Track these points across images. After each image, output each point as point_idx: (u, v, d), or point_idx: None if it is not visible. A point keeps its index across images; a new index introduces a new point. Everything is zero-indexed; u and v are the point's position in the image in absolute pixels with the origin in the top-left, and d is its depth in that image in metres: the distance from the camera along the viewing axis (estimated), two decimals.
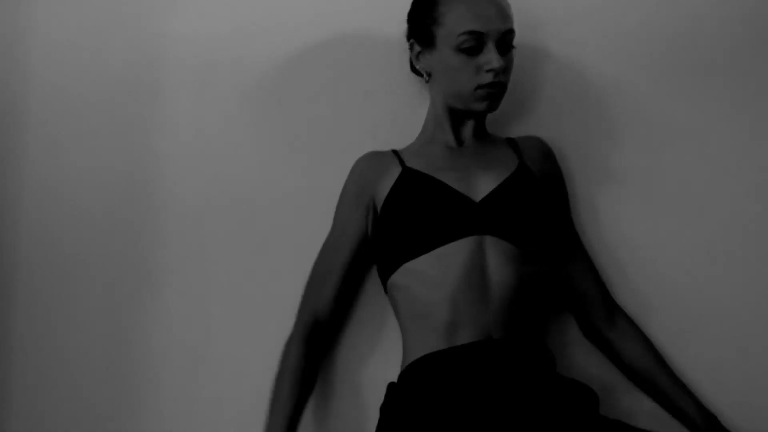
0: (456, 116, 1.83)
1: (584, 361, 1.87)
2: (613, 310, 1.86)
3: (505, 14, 1.75)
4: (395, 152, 1.85)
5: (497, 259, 1.71)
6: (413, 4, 1.85)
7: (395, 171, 1.80)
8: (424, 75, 1.83)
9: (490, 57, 1.72)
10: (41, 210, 1.96)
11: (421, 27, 1.80)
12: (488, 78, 1.74)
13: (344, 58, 1.99)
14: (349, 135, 1.95)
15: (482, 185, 1.76)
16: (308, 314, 1.81)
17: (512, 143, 1.87)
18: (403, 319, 1.77)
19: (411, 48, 1.83)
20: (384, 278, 1.80)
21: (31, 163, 1.97)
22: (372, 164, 1.83)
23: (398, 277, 1.75)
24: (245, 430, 1.80)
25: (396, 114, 1.95)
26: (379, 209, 1.80)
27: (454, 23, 1.74)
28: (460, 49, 1.74)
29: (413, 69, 1.89)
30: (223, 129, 1.98)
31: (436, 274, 1.71)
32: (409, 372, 1.72)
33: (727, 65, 1.97)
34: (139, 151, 1.97)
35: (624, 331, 1.84)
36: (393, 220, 1.75)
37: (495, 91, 1.76)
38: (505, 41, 1.75)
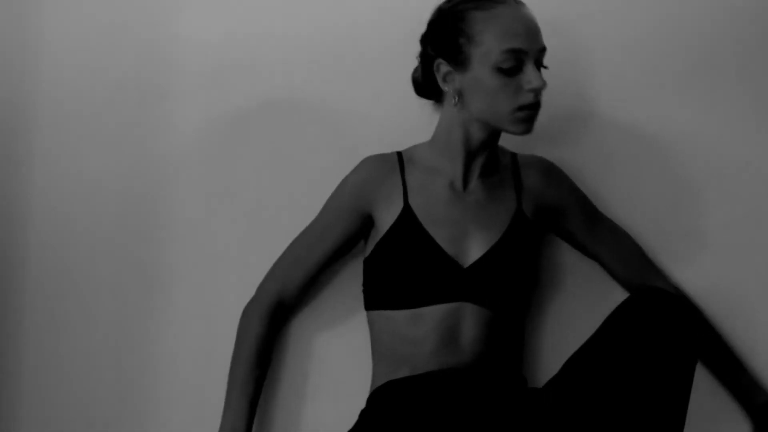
0: (471, 150, 1.77)
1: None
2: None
3: (538, 31, 1.69)
4: (401, 166, 1.79)
5: (472, 322, 1.72)
6: (437, 23, 1.74)
7: (397, 202, 1.76)
8: (454, 98, 1.72)
9: (532, 76, 1.65)
10: (49, 212, 1.96)
11: (453, 46, 1.69)
12: (529, 98, 1.67)
13: (353, 61, 1.98)
14: (357, 138, 1.95)
15: (474, 248, 1.74)
16: (274, 293, 1.82)
17: (515, 170, 1.83)
18: (374, 347, 1.80)
19: (437, 69, 1.73)
20: (366, 303, 1.81)
21: (39, 166, 1.97)
22: (377, 178, 1.79)
23: (374, 315, 1.78)
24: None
25: (405, 117, 1.93)
26: (379, 234, 1.77)
27: (493, 41, 1.65)
28: (500, 69, 1.66)
29: (421, 92, 1.82)
30: (232, 132, 1.98)
31: (409, 330, 1.72)
32: (374, 398, 1.75)
33: (735, 66, 1.98)
34: (148, 154, 1.97)
35: None
36: (382, 264, 1.75)
37: (534, 112, 1.69)
38: (539, 59, 1.70)
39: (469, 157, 1.77)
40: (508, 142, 1.84)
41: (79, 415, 1.92)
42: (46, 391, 1.93)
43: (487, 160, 1.79)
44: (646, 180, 1.96)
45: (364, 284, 1.81)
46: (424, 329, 1.72)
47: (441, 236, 1.73)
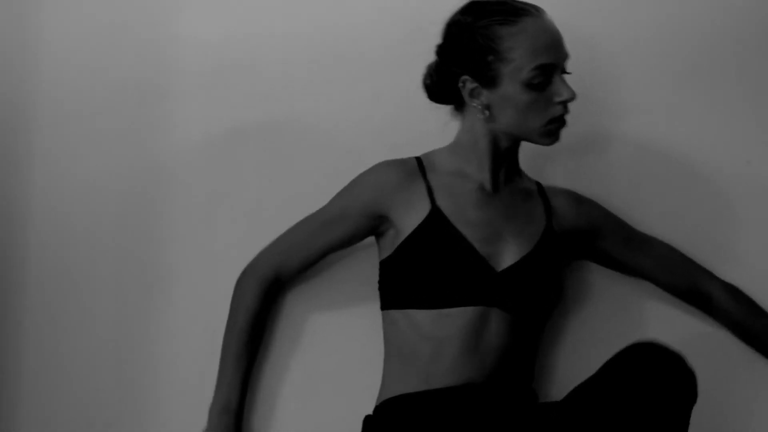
0: (498, 155, 1.75)
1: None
2: (702, 290, 1.87)
3: (562, 39, 1.68)
4: (422, 171, 1.76)
5: (497, 329, 1.70)
6: (460, 38, 1.70)
7: (422, 204, 1.72)
8: (483, 113, 1.70)
9: (562, 88, 1.65)
10: (50, 212, 1.96)
11: (481, 64, 1.67)
12: (559, 110, 1.67)
13: (353, 62, 1.98)
14: (358, 139, 1.95)
15: (507, 253, 1.72)
16: (272, 269, 1.80)
17: (542, 194, 1.82)
18: (389, 347, 1.76)
19: (463, 84, 1.70)
20: (384, 302, 1.77)
21: (39, 166, 1.97)
22: (395, 181, 1.74)
23: (397, 315, 1.73)
24: (253, 430, 1.83)
25: (407, 118, 1.93)
26: (401, 236, 1.73)
27: (524, 58, 1.63)
28: (530, 85, 1.64)
29: (436, 99, 1.79)
30: (232, 133, 1.98)
31: (433, 330, 1.69)
32: (385, 408, 1.72)
33: (735, 66, 1.99)
34: (148, 154, 1.97)
35: (721, 309, 1.87)
36: (408, 264, 1.71)
37: (563, 124, 1.70)
38: (565, 70, 1.69)
39: (496, 162, 1.76)
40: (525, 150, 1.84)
41: (79, 415, 1.91)
42: (46, 391, 1.92)
43: (511, 164, 1.78)
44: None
45: (383, 284, 1.77)
46: (449, 331, 1.68)
47: (473, 237, 1.71)
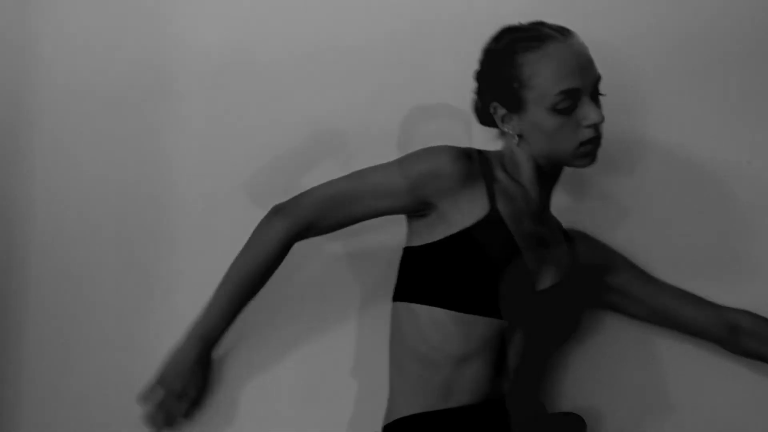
0: (543, 178, 1.73)
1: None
2: (728, 319, 1.85)
3: (590, 63, 1.66)
4: (484, 169, 1.69)
5: (519, 348, 1.69)
6: (489, 65, 1.71)
7: (481, 203, 1.66)
8: (515, 138, 1.69)
9: (588, 112, 1.63)
10: (51, 212, 1.96)
11: (507, 91, 1.67)
12: (589, 133, 1.64)
13: (358, 59, 1.99)
14: (363, 137, 1.96)
15: (547, 274, 1.71)
16: (306, 219, 1.71)
17: (560, 228, 1.82)
18: (401, 348, 1.69)
19: (494, 111, 1.70)
20: (403, 293, 1.70)
21: (41, 166, 1.98)
22: (458, 175, 1.66)
23: (422, 310, 1.66)
24: None
25: (413, 115, 1.94)
26: (449, 231, 1.65)
27: (546, 84, 1.62)
28: (556, 110, 1.63)
29: (483, 123, 1.77)
30: (235, 132, 1.98)
31: (458, 334, 1.64)
32: (399, 429, 1.66)
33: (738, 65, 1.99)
34: (150, 153, 1.98)
35: (753, 332, 1.85)
36: (454, 259, 1.65)
37: (595, 145, 1.67)
38: (596, 92, 1.67)
39: (542, 184, 1.74)
40: None
41: (80, 418, 1.92)
42: (46, 394, 1.93)
43: (553, 186, 1.76)
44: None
45: (408, 272, 1.70)
46: (475, 339, 1.64)
47: (528, 251, 1.68)
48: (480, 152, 1.72)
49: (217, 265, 1.92)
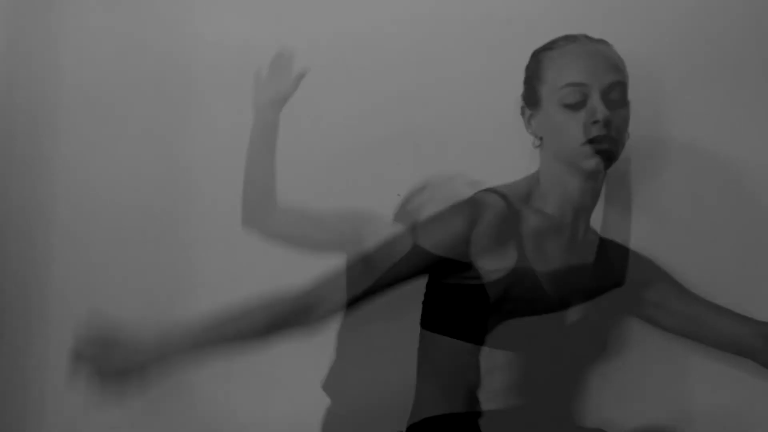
0: (572, 196, 1.70)
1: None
2: (764, 331, 1.79)
3: (609, 65, 1.67)
4: (513, 219, 1.68)
5: (544, 371, 1.72)
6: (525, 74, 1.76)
7: (510, 254, 1.67)
8: (535, 140, 1.72)
9: (594, 107, 1.64)
10: (74, 212, 1.99)
11: (529, 90, 1.73)
12: (595, 131, 1.63)
13: (374, 62, 1.99)
14: (381, 141, 1.95)
15: (577, 306, 1.72)
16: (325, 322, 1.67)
17: (602, 246, 1.80)
18: (427, 367, 1.73)
19: (522, 113, 1.74)
20: (429, 323, 1.73)
21: (64, 167, 2.01)
22: (487, 234, 1.65)
23: (444, 340, 1.69)
24: None
25: (428, 118, 1.94)
26: (478, 280, 1.66)
27: (555, 76, 1.67)
28: (565, 104, 1.65)
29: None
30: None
31: (480, 362, 1.68)
32: (425, 428, 1.70)
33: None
34: (173, 155, 2.00)
35: None
36: (481, 304, 1.67)
37: (605, 146, 1.64)
38: (612, 95, 1.66)
39: (575, 208, 1.72)
40: None
41: (103, 414, 1.90)
42: (69, 392, 1.93)
43: (588, 213, 1.74)
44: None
45: (433, 305, 1.72)
46: (497, 369, 1.68)
47: (553, 287, 1.70)
48: (506, 198, 1.69)
49: (238, 265, 1.95)
